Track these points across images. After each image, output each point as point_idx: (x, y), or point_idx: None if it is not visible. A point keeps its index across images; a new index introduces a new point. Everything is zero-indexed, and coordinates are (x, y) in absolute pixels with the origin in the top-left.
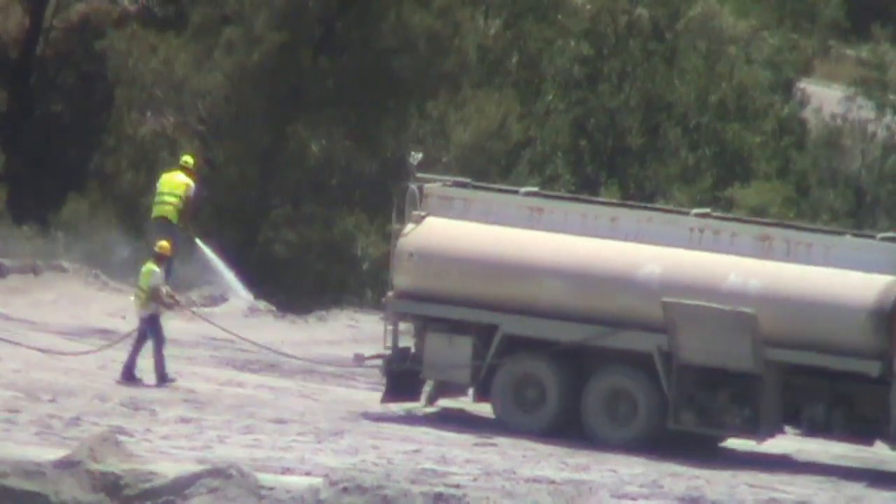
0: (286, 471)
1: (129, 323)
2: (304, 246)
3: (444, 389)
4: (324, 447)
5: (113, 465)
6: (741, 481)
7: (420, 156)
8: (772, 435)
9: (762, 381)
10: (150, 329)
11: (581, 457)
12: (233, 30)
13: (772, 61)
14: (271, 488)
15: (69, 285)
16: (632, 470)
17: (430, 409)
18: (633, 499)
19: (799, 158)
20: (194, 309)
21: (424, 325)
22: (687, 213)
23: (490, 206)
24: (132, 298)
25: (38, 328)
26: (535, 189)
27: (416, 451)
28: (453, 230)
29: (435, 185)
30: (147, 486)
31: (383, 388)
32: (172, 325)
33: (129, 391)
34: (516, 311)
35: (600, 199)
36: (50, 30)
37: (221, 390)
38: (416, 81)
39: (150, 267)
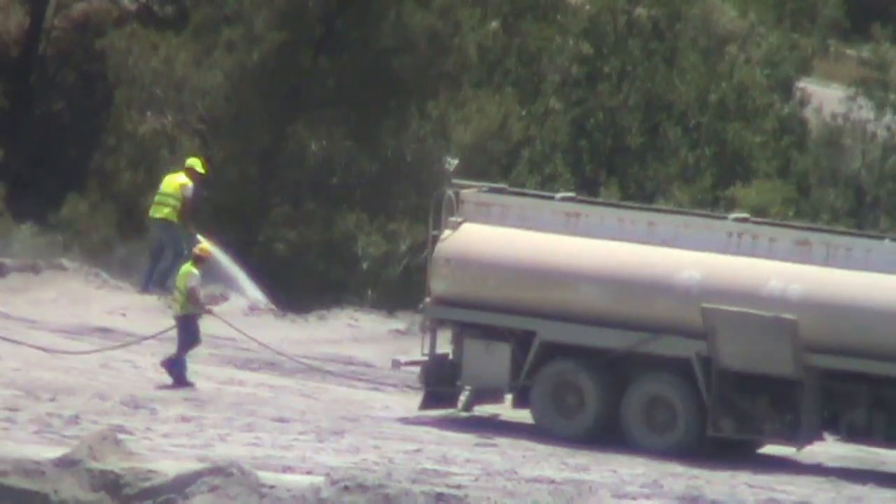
0: (287, 469)
1: (130, 322)
2: (304, 245)
3: (481, 396)
4: (325, 446)
5: (113, 463)
6: (741, 481)
7: (456, 161)
8: (810, 441)
9: (802, 387)
10: (183, 331)
11: (581, 457)
12: (233, 29)
13: (771, 60)
14: (272, 487)
15: (69, 284)
16: (632, 470)
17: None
18: (634, 498)
19: (799, 158)
20: (221, 315)
21: (462, 331)
22: (725, 218)
23: (526, 211)
24: (170, 301)
25: (38, 327)
26: (572, 194)
27: (418, 451)
28: (490, 236)
29: (471, 191)
30: (147, 484)
31: (421, 396)
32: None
33: (128, 389)
34: (554, 316)
35: (637, 203)
36: (50, 29)
37: (222, 389)
38: (416, 81)
39: (189, 268)
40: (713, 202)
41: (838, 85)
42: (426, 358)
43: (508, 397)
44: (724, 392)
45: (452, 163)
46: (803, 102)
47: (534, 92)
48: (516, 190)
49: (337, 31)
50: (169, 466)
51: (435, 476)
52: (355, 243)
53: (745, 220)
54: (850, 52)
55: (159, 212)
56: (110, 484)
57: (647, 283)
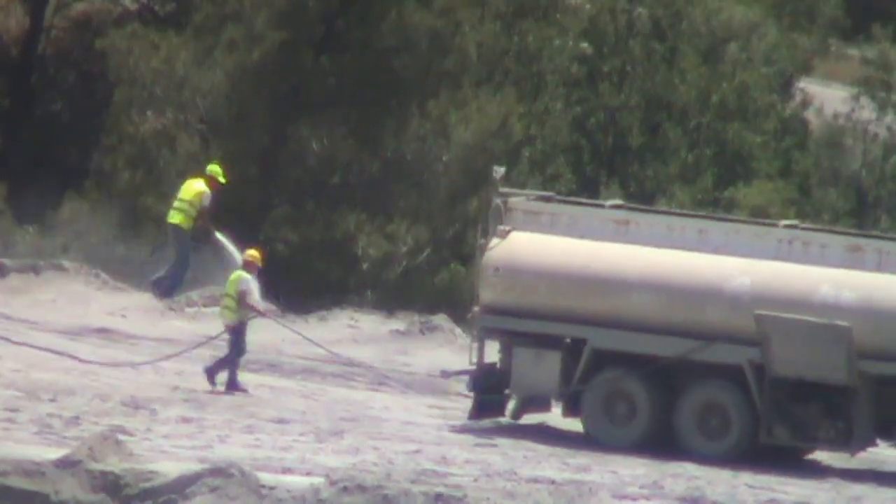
0: (287, 470)
1: (130, 322)
2: (304, 246)
3: (529, 404)
4: (324, 447)
5: (113, 464)
6: (741, 482)
7: (503, 169)
8: (863, 448)
9: (855, 394)
10: (233, 338)
11: (582, 457)
12: (233, 29)
13: (771, 59)
14: (272, 488)
15: (69, 284)
16: (633, 471)
17: (431, 409)
18: (634, 499)
19: (801, 159)
20: (280, 319)
21: (511, 339)
22: (775, 225)
23: (575, 219)
24: (220, 307)
25: (38, 327)
26: (620, 202)
27: (417, 452)
28: (539, 244)
29: (519, 199)
30: (147, 485)
31: (471, 405)
32: (173, 324)
33: (129, 390)
34: (604, 324)
35: (686, 211)
36: (51, 29)
37: (222, 389)
38: (416, 81)
39: (240, 274)
40: (714, 202)
41: (839, 85)
42: (474, 367)
43: (556, 405)
44: (777, 399)
45: (500, 170)
46: (805, 103)
47: (534, 91)
48: (565, 198)
49: (337, 31)
50: (169, 467)
51: (434, 477)
52: (356, 244)
53: (794, 226)
54: (850, 51)
55: (174, 217)
56: (111, 485)
57: (698, 290)
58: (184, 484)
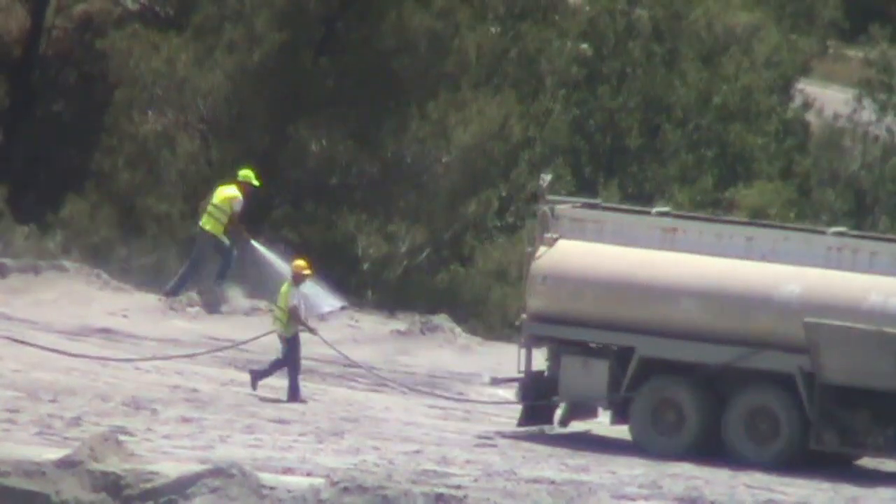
0: (287, 471)
1: (131, 323)
2: (304, 246)
3: (576, 412)
4: (325, 447)
5: (114, 464)
6: (740, 482)
7: (549, 177)
8: None
9: None
10: (289, 351)
11: (581, 457)
12: (234, 29)
13: (771, 61)
14: (272, 488)
15: (70, 285)
16: (631, 471)
17: (429, 408)
18: (633, 499)
19: (801, 160)
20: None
21: (558, 347)
22: (824, 232)
23: (622, 227)
24: (271, 320)
25: (39, 328)
26: (667, 209)
27: (417, 452)
28: (586, 252)
29: (565, 207)
30: (148, 485)
31: (520, 413)
32: (173, 324)
33: (130, 390)
34: (653, 332)
35: (734, 218)
36: (51, 29)
37: (222, 390)
38: (416, 82)
39: (288, 287)
40: (713, 203)
41: (838, 86)
42: (522, 375)
43: (603, 412)
44: (826, 406)
45: (546, 178)
46: (807, 105)
47: (533, 93)
48: (611, 205)
49: (337, 32)
50: (170, 468)
51: (434, 477)
52: (356, 244)
53: (843, 233)
54: (850, 52)
55: (205, 223)
56: (111, 485)
57: (747, 297)
58: (184, 484)
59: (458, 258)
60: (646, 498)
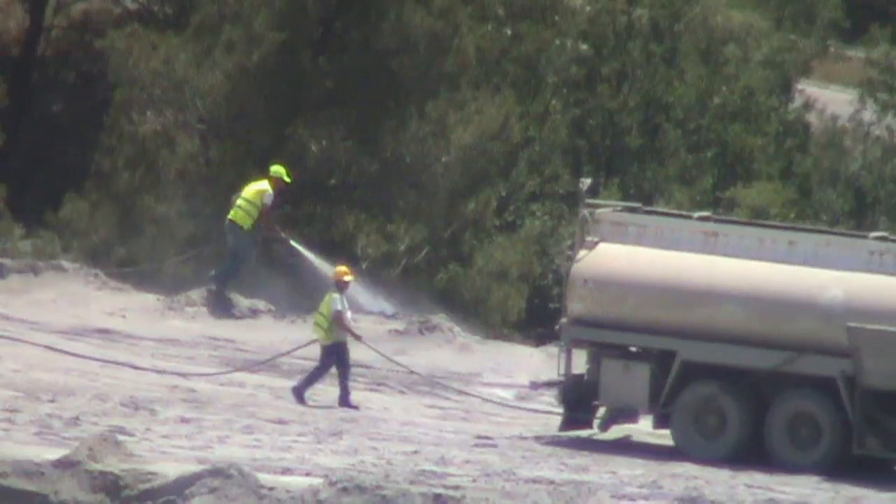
0: (286, 471)
1: (130, 323)
2: (303, 245)
3: (617, 416)
4: (323, 447)
5: (113, 465)
6: (740, 482)
7: (589, 181)
8: None
9: None
10: (337, 358)
11: (581, 458)
12: (232, 29)
13: (770, 61)
14: (271, 488)
15: (69, 285)
16: (631, 471)
17: (427, 408)
18: (633, 499)
19: (801, 160)
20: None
21: (599, 351)
22: (865, 237)
23: (663, 230)
24: (313, 327)
25: (38, 328)
26: (708, 213)
27: (416, 452)
28: (627, 256)
29: (606, 211)
30: (147, 486)
31: (561, 417)
32: (174, 324)
33: (128, 390)
34: (695, 336)
35: (776, 223)
36: (51, 29)
37: (221, 390)
38: (416, 82)
39: (333, 295)
40: (713, 203)
41: (838, 86)
42: (562, 379)
43: (644, 417)
44: (869, 410)
45: (586, 182)
46: (808, 105)
47: (532, 93)
48: (652, 209)
49: (337, 32)
50: (168, 468)
51: (433, 477)
52: (355, 243)
53: (885, 238)
54: (850, 53)
55: (234, 214)
56: (110, 485)
57: (789, 302)
58: (183, 485)
59: (458, 258)
60: (646, 498)
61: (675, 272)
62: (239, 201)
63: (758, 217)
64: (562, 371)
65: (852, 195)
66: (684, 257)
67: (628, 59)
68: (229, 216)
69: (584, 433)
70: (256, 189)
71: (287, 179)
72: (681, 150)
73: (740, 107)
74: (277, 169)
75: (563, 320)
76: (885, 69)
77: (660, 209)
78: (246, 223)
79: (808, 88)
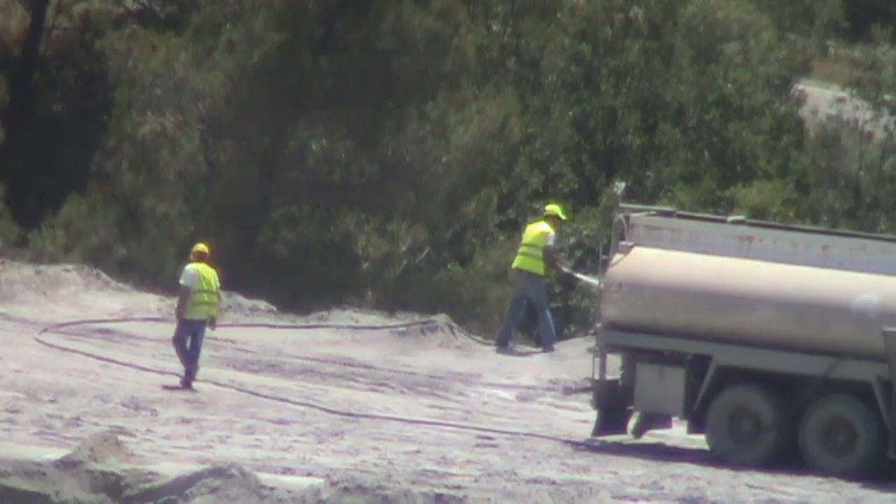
0: (287, 471)
1: (131, 323)
2: (304, 246)
3: (651, 421)
4: (324, 447)
5: (114, 465)
6: (741, 482)
7: (624, 185)
8: None
9: None
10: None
11: (582, 458)
12: (233, 30)
13: (766, 59)
14: (272, 488)
15: (70, 285)
16: (632, 471)
17: (431, 408)
18: (634, 500)
19: (798, 157)
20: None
21: (634, 355)
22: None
23: (698, 235)
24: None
25: (39, 328)
26: (742, 217)
27: (417, 452)
28: (662, 260)
29: (640, 215)
30: (148, 486)
31: (595, 422)
32: (172, 325)
33: (129, 391)
34: (730, 341)
35: (811, 227)
36: (51, 29)
37: (222, 390)
38: (415, 82)
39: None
40: (715, 202)
41: (838, 87)
42: (596, 383)
43: (678, 421)
44: None
45: (621, 186)
46: (800, 101)
47: (532, 91)
48: (686, 213)
49: (336, 32)
50: (169, 468)
51: (434, 477)
52: (355, 243)
53: None
54: (851, 53)
55: (521, 262)
56: (111, 485)
57: (825, 306)
58: (184, 484)
59: (458, 258)
60: (647, 498)
61: (710, 276)
62: (522, 248)
63: (758, 216)
64: (595, 375)
65: (851, 195)
66: (719, 261)
67: (626, 56)
68: (516, 265)
69: (614, 437)
70: (539, 231)
71: (563, 217)
72: (681, 148)
73: (736, 102)
74: (553, 208)
75: (598, 325)
76: (870, 66)
77: (694, 214)
78: (539, 269)
79: (809, 88)
